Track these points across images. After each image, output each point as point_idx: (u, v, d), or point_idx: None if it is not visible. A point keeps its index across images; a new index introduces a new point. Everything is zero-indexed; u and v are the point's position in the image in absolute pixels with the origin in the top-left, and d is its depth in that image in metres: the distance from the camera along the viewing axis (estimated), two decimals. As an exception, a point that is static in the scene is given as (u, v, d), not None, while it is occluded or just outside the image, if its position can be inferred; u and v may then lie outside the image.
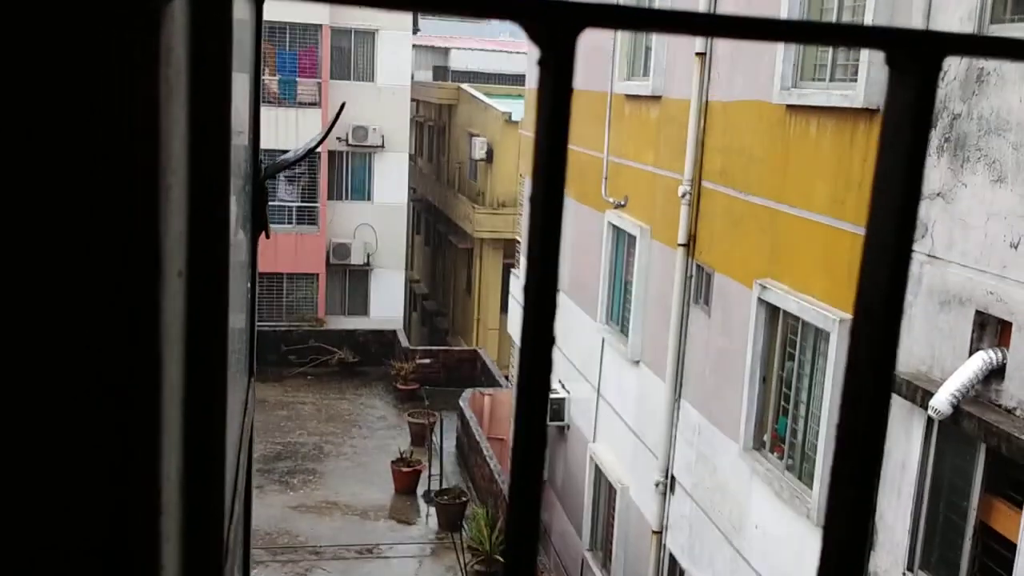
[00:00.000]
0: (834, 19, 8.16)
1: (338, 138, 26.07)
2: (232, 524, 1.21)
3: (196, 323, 0.73)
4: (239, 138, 1.47)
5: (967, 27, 6.41)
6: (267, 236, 1.86)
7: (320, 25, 25.43)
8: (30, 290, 0.50)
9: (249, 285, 1.80)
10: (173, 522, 0.64)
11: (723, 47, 10.06)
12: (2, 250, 0.49)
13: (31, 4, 0.47)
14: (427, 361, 23.29)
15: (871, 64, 7.36)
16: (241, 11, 1.42)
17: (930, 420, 6.59)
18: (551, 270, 0.45)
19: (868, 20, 7.42)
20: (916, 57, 0.48)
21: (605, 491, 13.27)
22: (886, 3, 7.27)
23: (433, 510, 17.02)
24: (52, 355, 0.51)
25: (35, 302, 0.50)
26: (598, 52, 13.48)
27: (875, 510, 7.28)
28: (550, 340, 0.47)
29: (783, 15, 8.65)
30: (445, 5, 0.44)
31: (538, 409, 0.46)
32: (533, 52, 0.44)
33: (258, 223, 1.79)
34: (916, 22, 6.84)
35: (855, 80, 7.68)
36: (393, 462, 18.03)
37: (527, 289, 0.46)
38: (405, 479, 17.81)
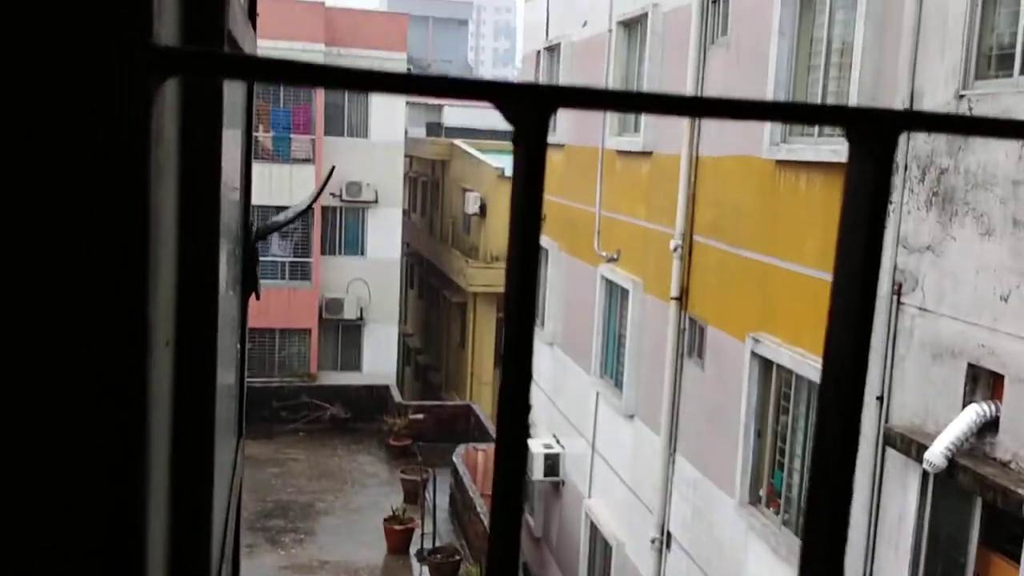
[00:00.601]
0: (821, 73, 8.30)
1: (332, 194, 26.21)
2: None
3: (184, 392, 0.74)
4: (230, 201, 1.48)
5: (952, 83, 6.52)
6: (257, 297, 1.86)
7: (315, 83, 25.70)
8: (17, 361, 0.51)
9: (239, 346, 1.80)
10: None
11: (712, 103, 10.19)
12: None
13: (26, 85, 0.48)
14: (420, 416, 23.14)
15: (858, 120, 7.46)
16: (232, 83, 1.45)
17: (925, 474, 6.55)
18: (526, 335, 0.46)
19: (855, 75, 7.54)
20: (873, 134, 0.50)
21: (601, 548, 13.12)
22: (872, 59, 7.40)
23: (426, 569, 16.77)
24: (39, 426, 0.52)
25: (22, 374, 0.51)
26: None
27: (873, 566, 7.21)
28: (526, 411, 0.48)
29: (770, 74, 8.79)
30: (426, 89, 0.46)
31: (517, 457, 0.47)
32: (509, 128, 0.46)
33: (248, 284, 1.80)
34: (902, 77, 6.96)
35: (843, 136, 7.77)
36: (385, 520, 17.81)
37: (505, 359, 0.46)
38: (398, 537, 17.58)
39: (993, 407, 6.07)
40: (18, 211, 0.49)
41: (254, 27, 1.87)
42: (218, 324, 0.86)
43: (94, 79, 0.48)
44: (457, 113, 37.24)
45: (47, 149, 0.49)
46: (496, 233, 26.05)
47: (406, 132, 29.24)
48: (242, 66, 0.53)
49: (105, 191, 0.50)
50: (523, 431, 0.48)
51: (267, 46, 24.72)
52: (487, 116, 40.36)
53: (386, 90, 0.48)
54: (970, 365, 6.29)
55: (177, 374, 0.74)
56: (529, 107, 0.45)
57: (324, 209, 26.32)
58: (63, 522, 0.53)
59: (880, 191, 0.49)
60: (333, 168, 4.36)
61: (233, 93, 1.52)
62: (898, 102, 7.01)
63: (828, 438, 0.52)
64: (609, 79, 12.91)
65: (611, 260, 12.73)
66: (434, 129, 39.94)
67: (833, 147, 7.86)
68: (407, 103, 29.06)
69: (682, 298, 10.69)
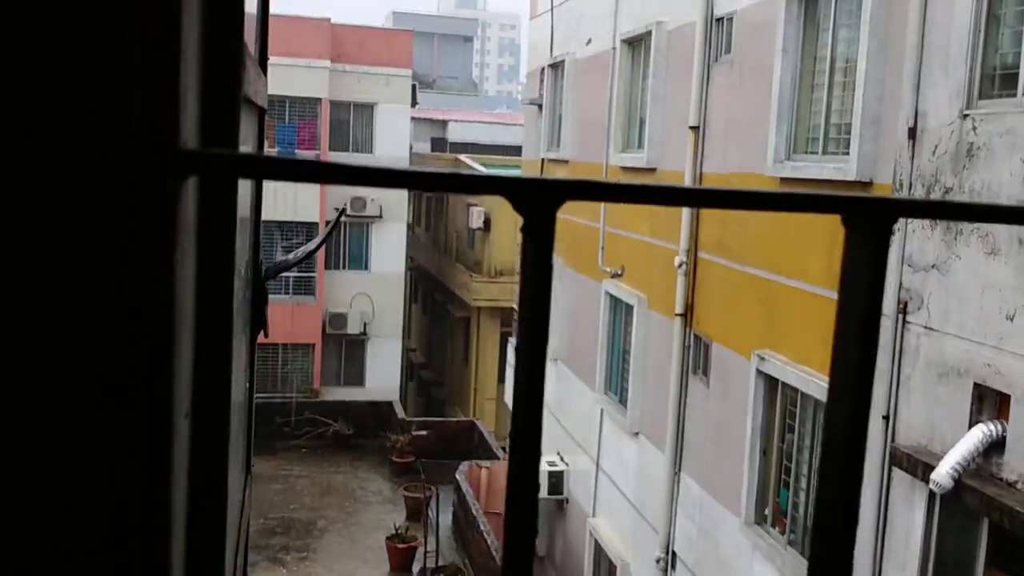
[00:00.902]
0: (825, 91, 8.29)
1: (336, 208, 26.24)
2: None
3: (199, 461, 0.76)
4: (241, 244, 1.49)
5: (955, 104, 6.50)
6: (266, 336, 1.86)
7: (319, 99, 25.84)
8: (40, 434, 0.54)
9: (247, 385, 1.80)
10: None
11: (717, 121, 10.20)
12: (17, 391, 0.53)
13: (62, 176, 0.53)
14: (423, 433, 23.09)
15: (863, 138, 7.45)
16: (244, 127, 1.47)
17: (932, 494, 6.51)
18: (535, 425, 0.47)
19: (858, 94, 7.53)
20: (870, 220, 0.49)
21: (605, 568, 13.05)
22: (875, 77, 7.40)
23: (430, 587, 16.69)
24: (63, 499, 0.54)
25: (45, 453, 0.54)
26: (594, 124, 13.67)
27: (879, 587, 7.15)
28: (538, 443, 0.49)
29: (774, 92, 8.79)
30: (440, 184, 0.49)
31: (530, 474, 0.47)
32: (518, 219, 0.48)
33: (257, 324, 1.80)
34: (906, 96, 6.94)
35: (847, 153, 7.77)
36: (388, 538, 17.75)
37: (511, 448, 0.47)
38: (400, 556, 17.52)
39: (1000, 427, 6.03)
40: (52, 303, 0.53)
41: (265, 70, 1.88)
42: (231, 389, 0.91)
43: (124, 183, 0.53)
44: (462, 128, 37.34)
45: (81, 251, 0.53)
46: (500, 248, 26.06)
47: (411, 147, 29.33)
48: (259, 167, 0.58)
49: (134, 278, 0.54)
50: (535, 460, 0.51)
51: (274, 62, 24.88)
52: (491, 131, 40.41)
53: (400, 185, 0.50)
54: (976, 384, 6.25)
55: (193, 444, 0.76)
56: (538, 200, 0.48)
57: (328, 224, 26.35)
58: None
59: (877, 275, 0.49)
60: (343, 210, 4.40)
61: (245, 128, 1.52)
62: (901, 121, 6.99)
63: (835, 458, 0.53)
64: (613, 96, 12.92)
65: (615, 276, 12.72)
66: (439, 144, 40.02)
67: (837, 165, 7.85)
68: (412, 118, 29.14)
69: (687, 315, 10.67)
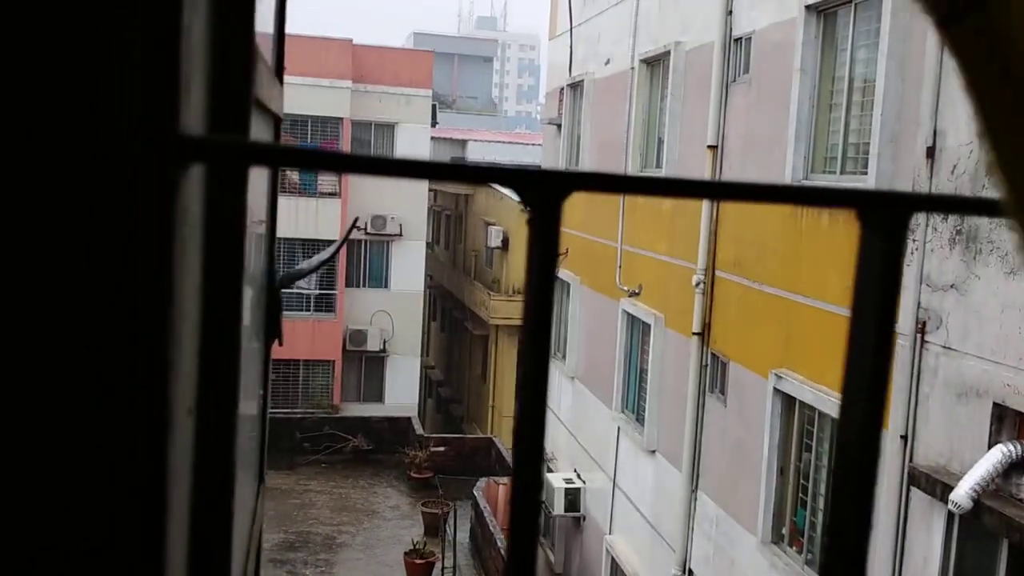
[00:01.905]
0: (843, 111, 8.32)
1: (358, 227, 26.41)
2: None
3: (203, 454, 0.77)
4: (255, 248, 1.53)
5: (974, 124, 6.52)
6: (280, 344, 1.90)
7: (341, 118, 26.04)
8: (39, 434, 0.52)
9: (261, 391, 1.84)
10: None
11: (734, 140, 10.24)
12: (11, 389, 0.52)
13: (54, 166, 0.51)
14: (441, 449, 23.10)
15: (881, 156, 7.48)
16: (260, 135, 1.49)
17: (950, 514, 6.49)
18: (539, 427, 0.49)
19: (876, 114, 7.56)
20: (885, 215, 0.53)
21: (622, 585, 13.01)
22: (894, 97, 7.43)
23: (446, 603, 16.67)
24: (60, 497, 0.53)
25: (43, 447, 0.52)
26: (613, 144, 13.73)
27: (898, 607, 7.12)
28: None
29: (792, 112, 8.83)
30: (450, 174, 0.49)
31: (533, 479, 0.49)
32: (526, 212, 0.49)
33: (272, 332, 1.83)
34: (925, 116, 6.97)
35: (865, 172, 7.80)
36: (406, 553, 17.74)
37: (515, 449, 0.49)
38: (418, 571, 17.50)
39: (1019, 447, 6.01)
40: (47, 292, 0.52)
41: (281, 80, 1.92)
42: (239, 388, 0.89)
43: (122, 170, 0.52)
44: (481, 148, 37.52)
45: (78, 236, 0.52)
46: (518, 266, 26.11)
47: (430, 166, 29.43)
48: (264, 154, 0.56)
49: (130, 275, 0.53)
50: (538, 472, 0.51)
51: (296, 82, 25.14)
52: (511, 151, 40.59)
53: (407, 175, 0.50)
54: (995, 404, 6.24)
55: (198, 439, 0.77)
56: (544, 191, 0.48)
57: (349, 242, 26.50)
58: None
59: (891, 272, 0.52)
60: (356, 219, 4.43)
61: (261, 136, 1.56)
62: (920, 141, 7.02)
63: (848, 464, 0.54)
64: (632, 116, 12.99)
65: (633, 294, 12.74)
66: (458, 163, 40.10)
67: (855, 182, 7.87)
68: (432, 138, 29.30)
69: (704, 333, 10.67)
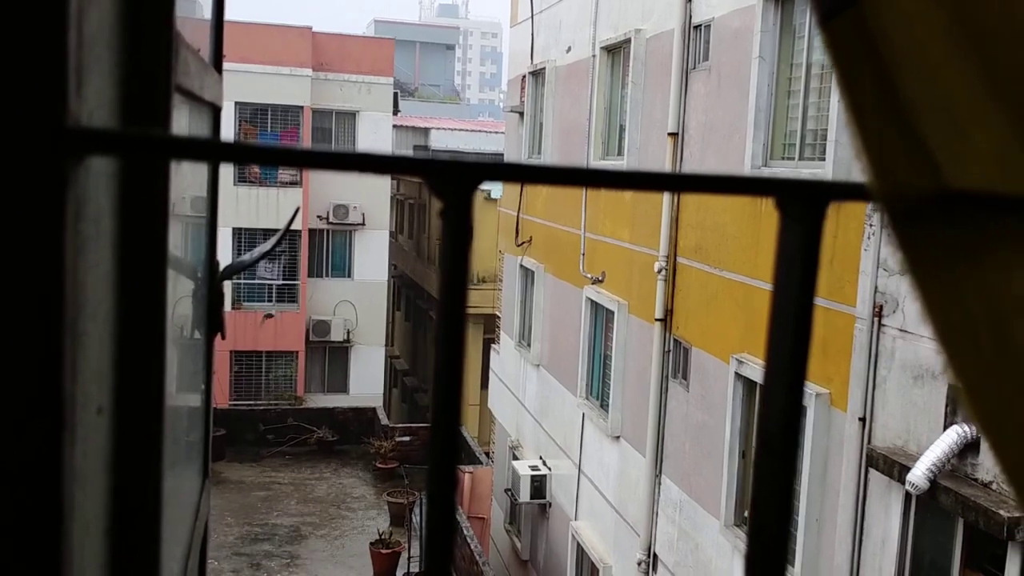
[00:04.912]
0: (801, 97, 8.39)
1: (319, 216, 26.24)
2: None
3: (125, 456, 0.75)
4: (193, 241, 1.50)
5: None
6: (223, 337, 1.88)
7: (302, 107, 25.81)
8: None
9: (204, 386, 1.81)
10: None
11: (695, 127, 10.29)
12: None
13: None
14: (407, 439, 23.07)
15: (838, 143, 7.56)
16: (197, 127, 1.46)
17: (908, 495, 6.59)
18: (454, 405, 0.49)
19: (834, 100, 7.64)
20: (803, 203, 0.53)
21: (587, 570, 13.09)
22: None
23: (413, 592, 16.68)
24: None
25: None
26: (575, 132, 13.75)
27: (857, 587, 7.23)
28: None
29: (751, 98, 8.88)
30: (359, 165, 0.49)
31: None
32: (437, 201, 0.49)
33: (214, 325, 1.81)
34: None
35: (823, 159, 7.87)
36: (372, 544, 17.72)
37: (431, 439, 0.49)
38: (384, 561, 17.49)
39: (974, 428, 6.12)
40: None
41: (219, 68, 1.88)
42: (164, 385, 0.87)
43: (1, 163, 0.49)
44: (444, 136, 37.36)
45: None
46: (482, 255, 26.09)
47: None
48: (156, 146, 0.54)
49: (15, 271, 0.51)
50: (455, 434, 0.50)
51: (256, 70, 24.81)
52: (473, 139, 40.51)
53: (310, 166, 0.49)
54: (951, 386, 6.34)
55: (117, 440, 0.75)
56: (453, 182, 0.48)
57: (311, 232, 26.33)
58: None
59: (810, 259, 0.52)
60: (298, 209, 4.41)
61: (197, 128, 1.53)
62: (877, 127, 7.09)
63: (770, 452, 0.54)
64: (593, 103, 13.01)
65: (596, 282, 12.79)
66: (421, 152, 40.00)
67: (813, 170, 7.95)
68: (394, 126, 29.15)
69: (666, 319, 10.74)
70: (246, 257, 3.29)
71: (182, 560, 1.30)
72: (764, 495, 0.53)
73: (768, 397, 0.54)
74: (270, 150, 0.49)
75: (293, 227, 25.21)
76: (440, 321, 0.49)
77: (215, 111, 1.73)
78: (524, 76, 16.36)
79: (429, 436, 0.49)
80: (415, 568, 17.18)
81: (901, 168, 0.49)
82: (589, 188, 0.51)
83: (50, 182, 0.50)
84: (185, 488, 1.42)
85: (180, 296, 1.23)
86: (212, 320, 1.77)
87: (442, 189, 0.48)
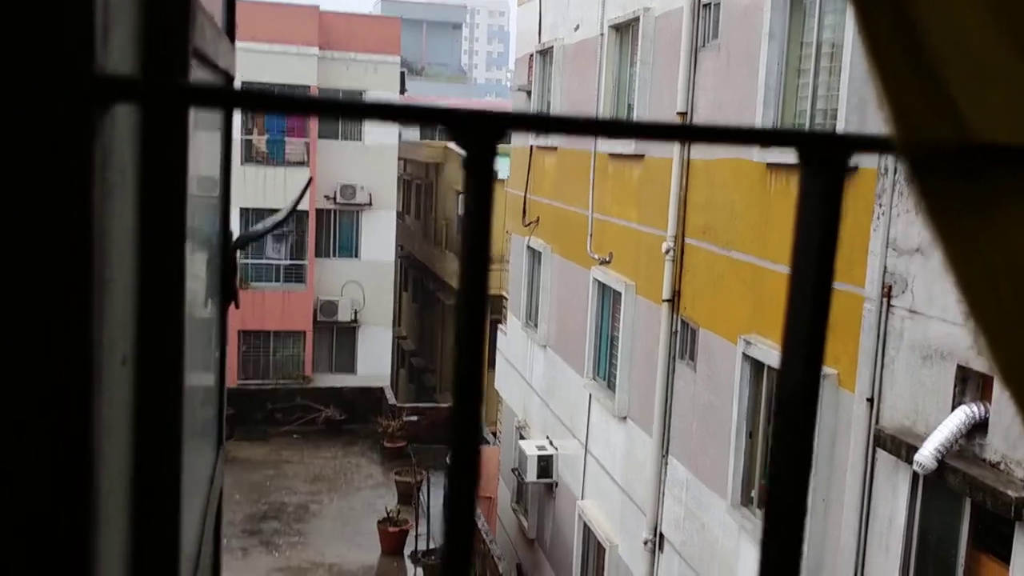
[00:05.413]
0: (811, 76, 8.34)
1: (326, 196, 26.23)
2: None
3: (146, 407, 0.75)
4: (208, 209, 1.50)
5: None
6: (236, 306, 1.88)
7: (308, 87, 25.74)
8: None
9: (218, 354, 1.82)
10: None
11: (704, 106, 10.23)
12: None
13: None
14: (414, 418, 23.15)
15: (848, 122, 7.51)
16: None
17: (915, 475, 6.59)
18: (476, 364, 0.48)
19: (844, 78, 7.58)
20: (825, 156, 0.52)
21: (594, 549, 13.14)
22: (861, 61, 7.44)
23: (420, 571, 16.78)
24: None
25: None
26: (583, 110, 13.68)
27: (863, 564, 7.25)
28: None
29: (760, 77, 8.83)
30: (388, 115, 0.48)
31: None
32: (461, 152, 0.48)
33: (227, 293, 1.81)
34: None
35: (833, 138, 7.82)
36: (380, 522, 17.82)
37: (454, 384, 0.49)
38: (392, 539, 17.59)
39: (982, 408, 6.11)
40: None
41: (232, 39, 1.88)
42: (184, 338, 0.87)
43: (32, 110, 0.50)
44: (451, 115, 37.26)
45: None
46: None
47: (400, 135, 29.26)
48: (178, 93, 0.54)
49: (45, 216, 0.51)
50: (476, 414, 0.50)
51: (263, 49, 24.76)
52: (481, 118, 40.28)
53: (332, 115, 0.49)
54: (960, 367, 6.32)
55: (138, 393, 0.75)
56: (478, 132, 0.47)
57: (319, 212, 26.33)
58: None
59: (832, 213, 0.51)
60: (311, 179, 4.41)
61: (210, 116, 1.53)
62: (888, 105, 7.04)
63: (781, 479, 0.54)
64: (601, 82, 12.94)
65: (604, 263, 12.76)
66: (428, 132, 39.93)
67: (824, 150, 7.89)
68: (400, 105, 29.04)
69: (674, 300, 10.72)
70: (259, 226, 3.29)
71: (199, 523, 1.30)
72: (781, 458, 0.52)
73: (786, 359, 0.53)
74: (289, 98, 0.48)
75: (300, 207, 25.21)
76: (464, 273, 0.48)
77: (228, 80, 1.72)
78: (532, 55, 16.28)
79: (452, 378, 0.48)
80: (422, 546, 17.27)
81: (922, 114, 0.48)
82: (610, 138, 0.50)
83: (80, 127, 0.51)
84: (201, 453, 1.43)
85: (195, 265, 1.23)
86: (226, 289, 1.77)
87: (466, 140, 0.47)
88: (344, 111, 0.49)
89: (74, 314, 0.52)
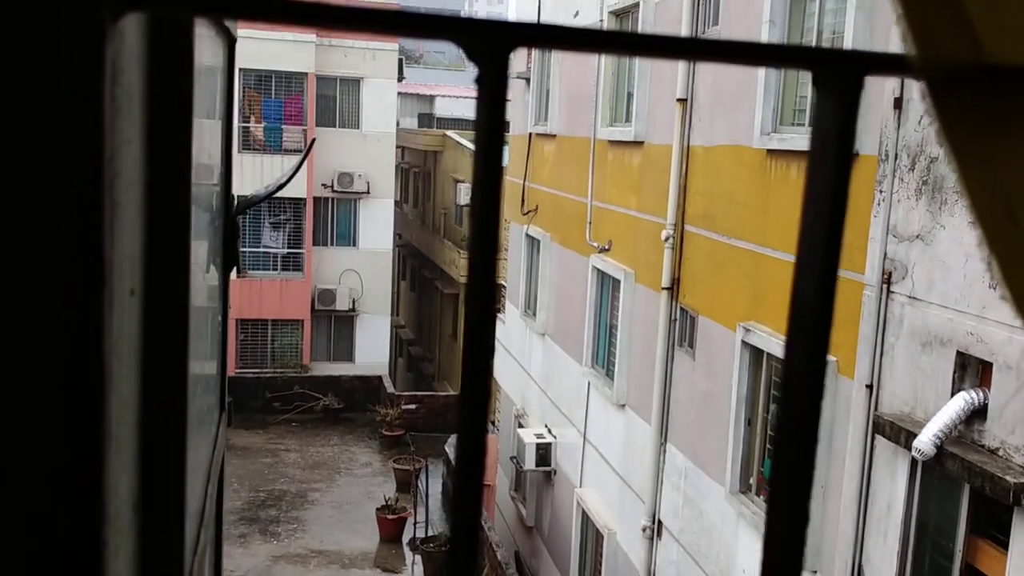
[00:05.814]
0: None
1: (323, 184, 26.17)
2: (198, 553, 1.20)
3: (154, 338, 0.74)
4: (211, 174, 1.49)
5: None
6: (239, 273, 1.87)
7: (306, 73, 25.67)
8: None
9: (220, 319, 1.81)
10: (124, 536, 0.64)
11: (704, 94, 10.20)
12: None
13: None
14: (413, 407, 23.17)
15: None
16: (212, 56, 1.44)
17: (914, 461, 6.59)
18: (489, 281, 0.46)
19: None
20: (840, 76, 0.50)
21: (592, 536, 13.16)
22: (862, 48, 7.40)
23: (419, 558, 16.81)
24: None
25: None
26: (582, 98, 13.65)
27: (862, 554, 7.26)
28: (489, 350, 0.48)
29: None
30: (391, 27, 0.46)
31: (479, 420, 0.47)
32: (473, 71, 0.46)
33: (230, 259, 1.80)
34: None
35: (833, 125, 7.79)
36: (378, 509, 17.84)
37: (468, 299, 0.47)
38: (390, 527, 17.62)
39: (981, 395, 6.11)
40: None
41: None
42: (190, 274, 0.86)
43: (43, 15, 0.49)
44: (449, 104, 37.18)
45: None
46: (488, 224, 26.05)
47: (398, 123, 29.19)
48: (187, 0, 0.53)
49: (52, 122, 0.50)
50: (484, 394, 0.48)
51: (260, 36, 24.65)
52: (479, 107, 40.23)
53: (353, 29, 0.47)
54: (959, 353, 6.32)
55: (146, 325, 0.74)
56: (490, 44, 0.45)
57: (316, 200, 26.28)
58: (14, 462, 0.52)
59: (847, 134, 0.50)
60: (313, 140, 4.39)
61: (213, 57, 1.51)
62: (887, 92, 7.03)
63: (793, 393, 0.52)
64: (601, 70, 12.90)
65: (603, 250, 12.75)
66: (426, 120, 39.86)
67: (824, 136, 7.87)
68: (399, 93, 29.00)
69: (673, 288, 10.71)
70: (260, 190, 3.27)
71: (202, 479, 1.30)
72: (794, 377, 0.51)
73: (800, 279, 0.52)
74: (296, 4, 0.46)
75: (297, 195, 25.16)
76: (475, 197, 0.46)
77: (231, 43, 1.71)
78: (531, 43, 16.20)
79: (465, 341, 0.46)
80: (420, 533, 17.30)
81: (941, 34, 0.47)
82: (624, 55, 0.48)
83: (91, 35, 0.50)
84: (204, 411, 1.42)
85: (200, 226, 1.22)
86: (228, 253, 1.76)
87: (478, 52, 0.45)
88: (348, 19, 0.46)
89: (87, 225, 0.51)
